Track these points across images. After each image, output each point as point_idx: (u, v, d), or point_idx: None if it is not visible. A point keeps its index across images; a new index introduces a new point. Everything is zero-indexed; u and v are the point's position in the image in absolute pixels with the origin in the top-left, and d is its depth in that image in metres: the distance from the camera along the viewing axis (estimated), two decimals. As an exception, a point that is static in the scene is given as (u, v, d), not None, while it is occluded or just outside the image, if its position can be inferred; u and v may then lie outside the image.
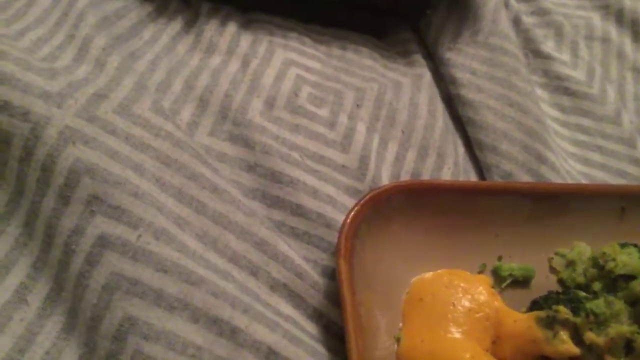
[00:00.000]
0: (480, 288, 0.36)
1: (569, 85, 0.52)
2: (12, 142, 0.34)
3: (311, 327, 0.35)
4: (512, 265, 0.39)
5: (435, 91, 0.48)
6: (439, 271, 0.38)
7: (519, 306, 0.37)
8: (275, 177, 0.39)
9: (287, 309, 0.35)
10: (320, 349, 0.33)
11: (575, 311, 0.34)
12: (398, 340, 0.35)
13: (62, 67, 0.38)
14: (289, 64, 0.45)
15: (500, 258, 0.40)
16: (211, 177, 0.36)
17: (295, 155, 0.40)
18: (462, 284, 0.36)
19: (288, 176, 0.39)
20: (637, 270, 0.36)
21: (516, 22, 0.55)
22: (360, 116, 0.43)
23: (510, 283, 0.39)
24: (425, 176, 0.43)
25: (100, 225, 0.32)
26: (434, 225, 0.39)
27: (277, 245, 0.36)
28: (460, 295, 0.36)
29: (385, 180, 0.41)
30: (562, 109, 0.51)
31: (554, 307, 0.34)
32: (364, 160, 0.41)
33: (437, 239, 0.39)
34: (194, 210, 0.35)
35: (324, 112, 0.43)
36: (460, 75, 0.48)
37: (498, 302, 0.36)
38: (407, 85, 0.47)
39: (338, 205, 0.39)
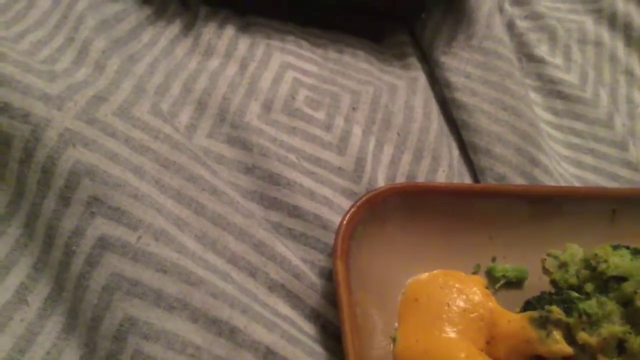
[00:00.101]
0: (475, 289, 0.36)
1: (562, 88, 0.52)
2: (13, 144, 0.34)
3: (309, 327, 0.35)
4: (506, 266, 0.39)
5: (430, 94, 0.49)
6: (434, 272, 0.38)
7: (513, 307, 0.37)
8: (272, 179, 0.39)
9: (285, 309, 0.35)
10: (318, 349, 0.34)
11: (568, 311, 0.34)
12: (394, 340, 0.35)
13: (62, 70, 0.38)
14: (286, 67, 0.45)
15: (494, 259, 0.40)
16: (210, 179, 0.37)
17: (292, 157, 0.40)
18: (456, 285, 0.36)
19: (285, 178, 0.39)
20: (629, 271, 0.36)
21: (510, 26, 0.56)
22: (357, 119, 0.44)
23: (503, 284, 0.39)
24: (421, 178, 0.43)
25: (101, 226, 0.32)
26: (429, 227, 0.39)
27: (274, 247, 0.36)
28: (455, 295, 0.36)
29: (381, 182, 0.42)
30: (556, 112, 0.51)
31: (547, 307, 0.35)
32: (360, 162, 0.41)
33: (432, 240, 0.39)
34: (193, 211, 0.35)
35: (320, 115, 0.43)
36: (455, 78, 0.49)
37: (492, 303, 0.36)
38: (403, 89, 0.47)
39: (334, 207, 0.39)
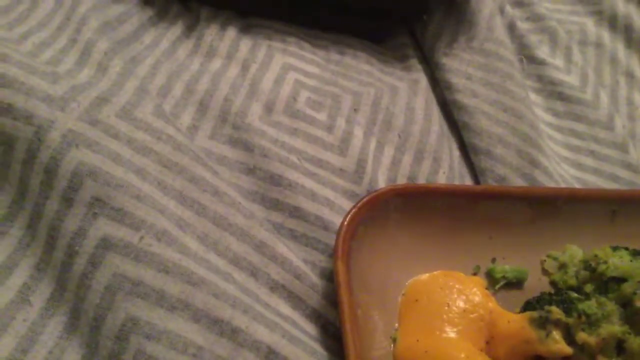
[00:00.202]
0: (475, 289, 0.36)
1: (563, 90, 0.52)
2: (16, 145, 0.34)
3: (310, 328, 0.35)
4: (506, 267, 0.40)
5: (431, 96, 0.49)
6: (435, 273, 0.38)
7: (513, 307, 0.37)
8: (274, 180, 0.39)
9: (286, 309, 0.35)
10: (319, 349, 0.34)
11: (567, 312, 0.35)
12: (394, 340, 0.35)
13: (65, 71, 0.38)
14: (287, 68, 0.45)
15: (494, 260, 0.40)
16: (212, 180, 0.37)
17: (294, 158, 0.40)
18: (457, 285, 0.37)
19: (287, 179, 0.39)
20: (628, 272, 0.37)
21: (511, 27, 0.56)
22: (358, 120, 0.44)
23: (503, 285, 0.39)
24: (421, 180, 0.43)
25: (103, 227, 0.32)
26: (429, 228, 0.39)
27: (276, 247, 0.36)
28: (455, 296, 0.36)
29: (381, 183, 0.42)
30: (556, 113, 0.51)
31: (547, 307, 0.35)
32: (361, 163, 0.42)
33: (432, 241, 0.39)
34: (195, 212, 0.35)
35: (322, 116, 0.43)
36: (456, 80, 0.49)
37: (492, 303, 0.36)
38: (404, 90, 0.47)
39: (336, 208, 0.39)
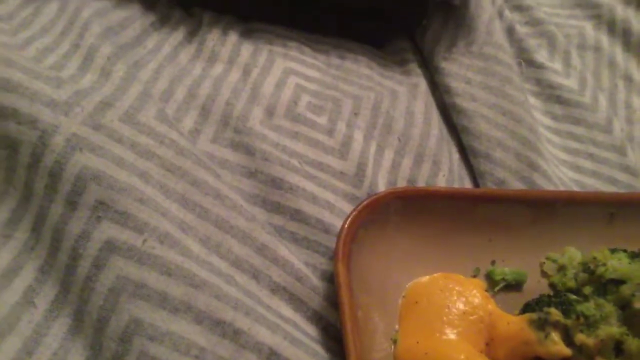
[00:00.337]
0: (475, 291, 0.36)
1: (561, 93, 0.52)
2: (20, 149, 0.35)
3: (311, 329, 0.35)
4: (505, 269, 0.40)
5: (430, 100, 0.49)
6: (434, 275, 0.38)
7: (512, 309, 0.37)
8: (275, 183, 0.39)
9: (287, 311, 0.35)
10: (320, 350, 0.34)
11: (566, 313, 0.35)
12: (394, 341, 0.35)
13: (68, 76, 0.39)
14: (288, 73, 0.45)
15: (493, 262, 0.40)
16: (214, 184, 0.37)
17: (295, 162, 0.41)
18: (456, 288, 0.37)
19: (288, 182, 0.39)
20: (627, 274, 0.37)
21: (510, 31, 0.56)
22: (358, 124, 0.44)
23: (503, 287, 0.39)
24: (421, 183, 0.43)
25: (107, 230, 0.33)
26: (429, 231, 0.39)
27: (277, 250, 0.36)
28: (455, 298, 0.36)
29: (382, 186, 0.42)
30: (555, 117, 0.52)
31: (546, 309, 0.35)
32: (361, 167, 0.42)
33: (432, 243, 0.39)
34: (197, 215, 0.36)
35: (322, 120, 0.43)
36: (455, 84, 0.49)
37: (491, 305, 0.36)
38: (404, 94, 0.48)
39: (336, 211, 0.39)
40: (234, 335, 0.32)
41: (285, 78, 0.45)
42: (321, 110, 0.44)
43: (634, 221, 0.42)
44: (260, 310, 0.33)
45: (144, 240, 0.33)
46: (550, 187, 0.44)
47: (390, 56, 0.52)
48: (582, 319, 0.34)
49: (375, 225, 0.37)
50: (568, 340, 0.34)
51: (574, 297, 0.36)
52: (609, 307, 0.35)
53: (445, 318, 0.35)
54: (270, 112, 0.43)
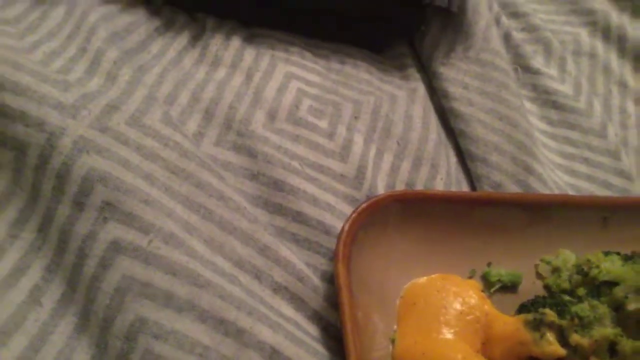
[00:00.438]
0: (471, 292, 0.37)
1: (557, 99, 0.53)
2: (28, 151, 0.35)
3: (312, 329, 0.36)
4: (501, 271, 0.40)
5: (429, 104, 0.49)
6: (432, 276, 0.38)
7: (507, 310, 0.37)
8: (277, 185, 0.40)
9: (289, 311, 0.36)
10: (321, 350, 0.34)
11: (561, 314, 0.35)
12: (393, 341, 0.36)
13: (75, 80, 0.39)
14: (290, 77, 0.46)
15: (489, 264, 0.41)
16: (217, 186, 0.37)
17: (296, 164, 0.41)
18: (453, 288, 0.37)
19: (289, 185, 0.40)
20: (620, 277, 0.37)
21: (507, 38, 0.56)
22: (358, 128, 0.44)
23: (498, 288, 0.40)
24: (419, 186, 0.44)
25: (113, 230, 0.33)
26: (427, 233, 0.40)
27: (279, 251, 0.37)
28: (452, 298, 0.36)
29: (381, 189, 0.42)
30: (550, 122, 0.52)
31: (541, 310, 0.35)
32: (361, 169, 0.42)
33: (429, 245, 0.40)
34: (201, 216, 0.36)
35: (323, 124, 0.44)
36: (453, 89, 0.50)
37: (488, 306, 0.37)
38: (403, 98, 0.48)
39: (336, 213, 0.40)
40: (237, 334, 0.32)
41: (286, 82, 0.45)
42: (322, 114, 0.44)
43: (627, 224, 0.43)
44: (262, 310, 0.34)
45: (150, 241, 0.33)
46: (545, 191, 0.44)
47: (389, 61, 0.52)
48: (576, 320, 0.35)
49: (375, 227, 0.38)
50: (563, 340, 0.35)
51: (568, 298, 0.37)
52: (603, 309, 0.36)
53: (442, 318, 0.36)
54: (272, 116, 0.43)
